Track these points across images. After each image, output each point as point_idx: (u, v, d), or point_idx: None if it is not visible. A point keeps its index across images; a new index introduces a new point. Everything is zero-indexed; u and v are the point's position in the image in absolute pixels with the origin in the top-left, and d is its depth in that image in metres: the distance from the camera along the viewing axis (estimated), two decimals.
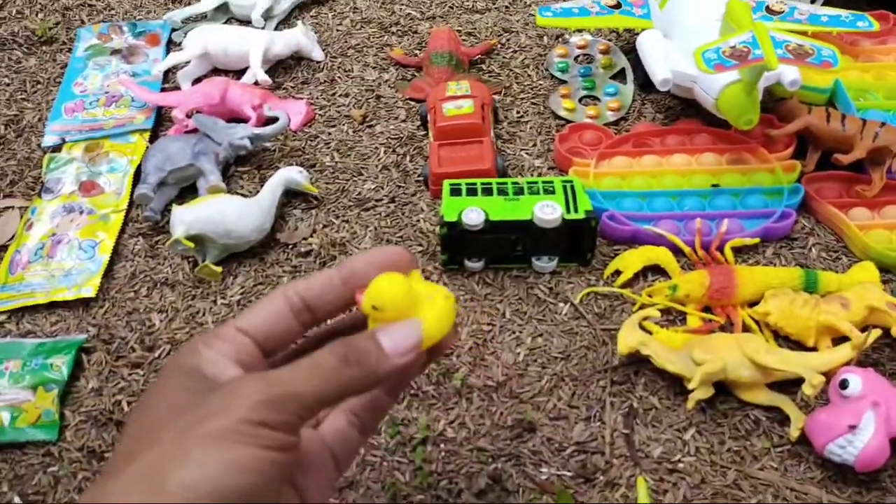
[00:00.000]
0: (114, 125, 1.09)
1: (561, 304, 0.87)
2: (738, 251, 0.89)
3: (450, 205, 0.86)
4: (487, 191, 0.88)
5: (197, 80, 1.16)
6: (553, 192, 0.87)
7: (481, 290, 0.89)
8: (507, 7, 1.27)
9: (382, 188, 1.00)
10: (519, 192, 0.88)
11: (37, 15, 1.31)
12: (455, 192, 0.88)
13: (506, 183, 0.89)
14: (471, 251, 0.88)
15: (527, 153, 1.03)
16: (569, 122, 1.05)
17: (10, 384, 0.83)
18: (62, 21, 1.30)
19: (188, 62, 1.15)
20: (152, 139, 1.08)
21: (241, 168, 1.03)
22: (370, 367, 0.36)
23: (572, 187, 0.88)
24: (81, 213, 0.98)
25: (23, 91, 1.18)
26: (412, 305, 0.38)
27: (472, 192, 0.88)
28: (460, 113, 0.98)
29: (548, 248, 0.87)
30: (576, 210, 0.85)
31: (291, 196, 0.99)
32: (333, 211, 0.98)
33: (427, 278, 0.90)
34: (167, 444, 0.33)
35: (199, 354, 0.37)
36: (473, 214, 0.85)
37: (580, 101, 1.08)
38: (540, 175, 1.00)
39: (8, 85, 1.19)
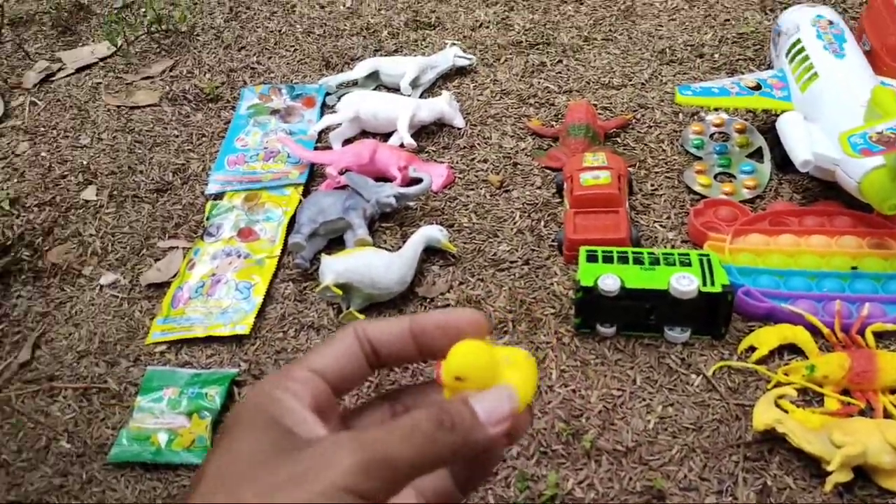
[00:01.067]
0: (271, 178, 1.19)
1: (693, 376, 0.88)
2: (879, 336, 0.88)
3: (586, 270, 0.89)
4: (623, 259, 0.91)
5: (347, 141, 1.25)
6: (689, 265, 0.89)
7: (612, 355, 0.91)
8: (643, 84, 1.31)
9: (517, 250, 1.05)
10: (655, 262, 0.90)
11: (205, 75, 1.45)
12: (591, 258, 0.91)
13: (641, 253, 0.91)
14: (604, 317, 0.91)
15: (660, 225, 1.05)
16: (703, 197, 1.07)
17: (169, 409, 0.90)
18: (227, 81, 1.43)
19: (340, 124, 1.24)
20: (305, 193, 1.16)
21: (385, 224, 1.10)
22: (465, 433, 0.31)
23: (709, 261, 0.89)
24: (239, 256, 1.07)
25: (189, 143, 1.30)
26: (495, 374, 0.34)
27: (608, 259, 0.91)
28: (597, 183, 1.02)
29: (682, 319, 0.89)
30: (712, 283, 0.86)
31: (430, 253, 1.05)
32: (469, 269, 1.03)
33: (559, 340, 0.93)
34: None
35: (277, 402, 0.33)
36: (610, 281, 0.87)
37: (715, 177, 1.10)
38: (673, 247, 1.02)
39: (177, 137, 1.31)
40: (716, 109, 1.21)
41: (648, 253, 0.91)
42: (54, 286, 1.08)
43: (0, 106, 1.43)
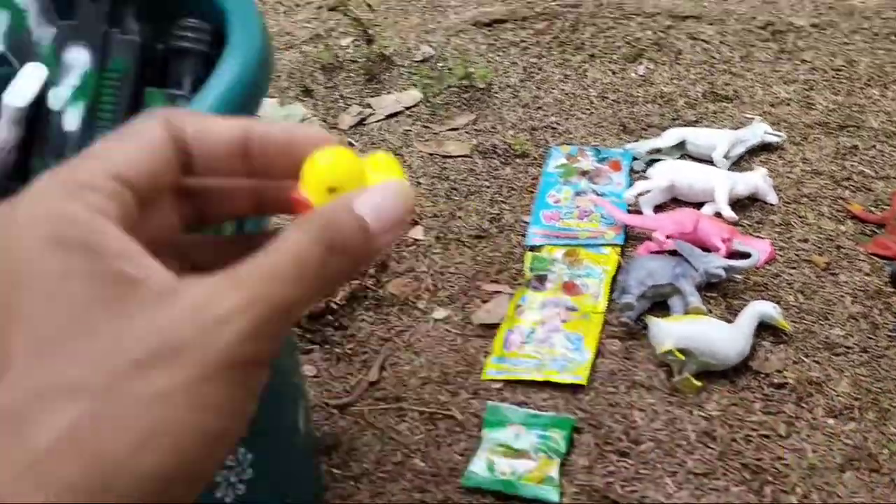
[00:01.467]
0: (588, 237, 1.25)
1: None
2: None
3: None
4: None
5: (657, 208, 1.29)
6: None
7: None
8: None
9: (851, 336, 1.04)
10: None
11: (508, 131, 1.55)
12: None
13: None
14: None
15: None
16: None
17: (516, 444, 0.97)
18: (530, 138, 1.52)
19: (651, 190, 1.29)
20: (620, 254, 1.22)
21: (709, 293, 1.13)
22: (359, 252, 0.24)
23: None
24: (567, 308, 1.13)
25: (500, 195, 1.39)
26: (365, 181, 0.26)
27: None
28: None
29: None
30: None
31: (758, 329, 1.06)
32: (802, 349, 1.04)
33: None
34: (95, 401, 0.20)
35: (82, 224, 0.22)
36: None
37: None
38: None
39: (489, 187, 1.41)
40: None
41: None
42: (393, 315, 1.18)
43: None
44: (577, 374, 1.04)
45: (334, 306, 1.18)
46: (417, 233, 1.33)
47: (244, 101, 0.62)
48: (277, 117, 1.62)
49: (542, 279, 1.19)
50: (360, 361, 1.12)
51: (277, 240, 0.22)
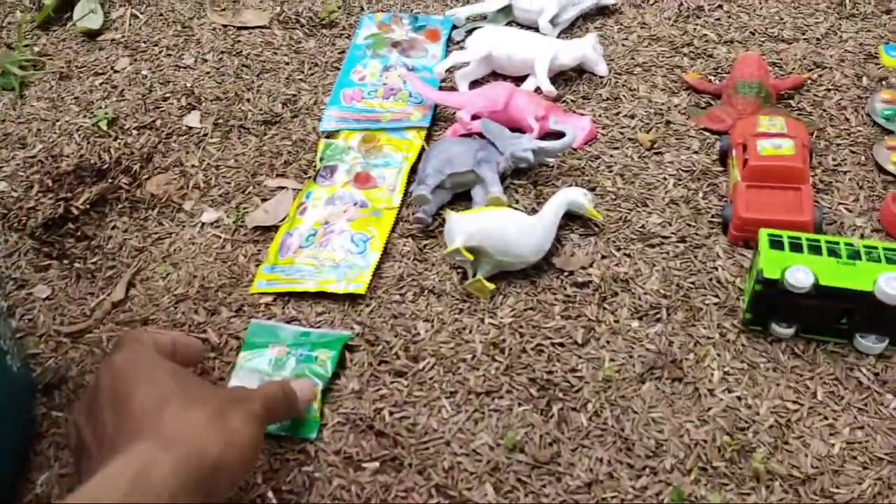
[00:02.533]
0: (391, 119, 1.07)
1: (889, 396, 0.74)
2: None
3: (770, 259, 0.75)
4: (815, 249, 0.76)
5: (474, 83, 1.12)
6: None
7: (788, 360, 0.78)
8: (818, 40, 1.13)
9: (670, 224, 0.91)
10: (854, 255, 0.75)
11: None
12: (776, 244, 0.77)
13: (838, 243, 0.77)
14: (783, 315, 0.77)
15: (846, 209, 0.90)
16: None
17: (273, 370, 0.81)
18: (343, 5, 1.30)
19: (468, 63, 1.11)
20: (427, 138, 1.04)
21: (518, 181, 0.97)
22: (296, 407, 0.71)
23: None
24: (355, 204, 0.96)
25: (301, 72, 1.19)
26: None
27: (796, 247, 0.77)
28: (779, 153, 0.87)
29: (883, 327, 0.74)
30: None
31: (569, 219, 0.92)
32: (614, 242, 0.90)
33: (722, 336, 0.80)
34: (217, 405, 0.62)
35: (166, 358, 0.67)
36: (800, 275, 0.73)
37: None
38: (863, 237, 0.87)
39: (287, 64, 1.20)
40: None
41: (846, 244, 0.76)
42: (152, 219, 0.99)
43: (99, 17, 1.34)
44: (357, 282, 0.88)
45: (75, 211, 0.97)
46: (193, 119, 1.12)
47: None
48: None
49: (332, 170, 1.01)
50: (105, 278, 0.93)
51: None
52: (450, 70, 1.12)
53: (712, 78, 1.09)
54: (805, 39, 1.14)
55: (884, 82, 1.05)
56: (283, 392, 0.70)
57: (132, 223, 0.99)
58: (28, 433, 0.78)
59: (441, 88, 1.11)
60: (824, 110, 1.02)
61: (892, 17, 1.15)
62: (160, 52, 1.25)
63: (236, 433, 0.60)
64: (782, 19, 1.17)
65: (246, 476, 0.70)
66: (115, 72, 1.22)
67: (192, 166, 1.05)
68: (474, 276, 0.87)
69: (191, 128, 1.10)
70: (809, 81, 1.06)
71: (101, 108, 1.14)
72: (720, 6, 1.21)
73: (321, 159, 1.03)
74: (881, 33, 1.13)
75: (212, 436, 0.59)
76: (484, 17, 1.22)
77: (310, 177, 1.02)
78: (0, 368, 0.74)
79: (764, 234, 0.78)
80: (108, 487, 0.53)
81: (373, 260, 0.90)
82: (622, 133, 1.03)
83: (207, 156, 1.06)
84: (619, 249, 0.89)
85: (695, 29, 1.17)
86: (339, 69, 1.17)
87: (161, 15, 1.33)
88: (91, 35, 1.30)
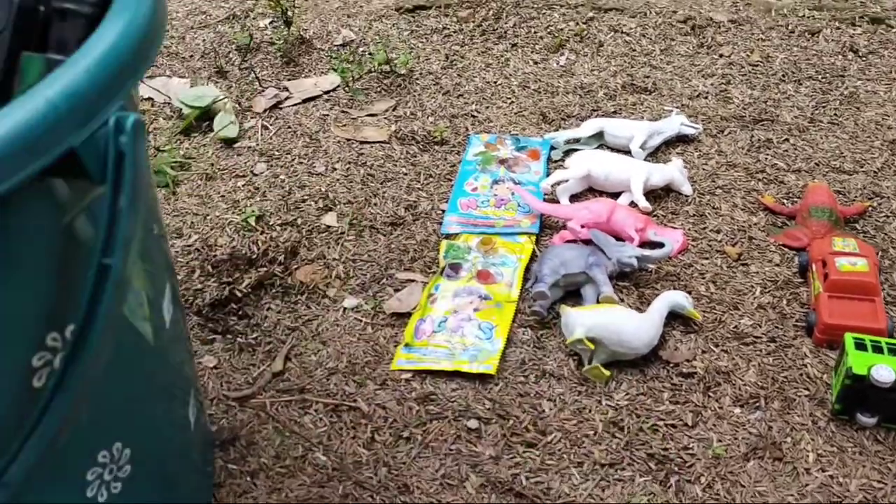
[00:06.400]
0: (504, 225, 1.23)
1: None
2: None
3: (857, 358, 0.89)
4: (893, 351, 0.89)
5: (573, 197, 1.28)
6: None
7: (871, 445, 0.90)
8: (875, 172, 1.30)
9: (760, 326, 1.05)
10: None
11: (427, 118, 1.52)
12: (860, 346, 0.90)
13: None
14: (869, 406, 0.89)
15: None
16: None
17: None
18: (450, 126, 1.49)
19: (568, 180, 1.28)
20: (535, 242, 1.20)
21: (622, 283, 1.12)
22: None
23: None
24: (480, 297, 1.11)
25: (418, 182, 1.36)
26: None
27: (877, 349, 0.90)
28: (855, 270, 1.01)
29: None
30: None
31: (671, 318, 1.06)
32: (712, 339, 1.04)
33: (814, 423, 0.92)
34: None
35: None
36: (884, 372, 0.86)
37: None
38: None
39: (406, 174, 1.38)
40: None
41: None
42: (301, 303, 1.14)
43: (236, 127, 1.53)
44: (487, 364, 1.02)
45: (238, 294, 1.13)
46: (330, 219, 1.28)
47: (123, 67, 0.57)
48: (187, 97, 1.55)
49: (456, 268, 1.16)
50: (264, 352, 1.07)
51: None
52: (553, 185, 1.29)
53: (785, 201, 1.25)
54: (864, 172, 1.30)
55: None
56: None
57: (285, 306, 1.14)
58: (210, 482, 0.91)
59: (545, 201, 1.28)
60: (886, 234, 1.17)
61: None
62: (293, 160, 1.43)
63: None
64: (842, 153, 1.34)
65: None
66: (255, 175, 1.40)
67: (333, 259, 1.20)
68: (590, 363, 1.00)
69: (329, 226, 1.27)
70: (871, 209, 1.21)
71: (247, 206, 1.31)
72: (787, 139, 1.38)
73: (445, 257, 1.18)
74: None
75: None
76: (578, 141, 1.40)
77: (433, 272, 1.17)
78: (201, 423, 0.87)
79: (849, 338, 0.91)
80: None
81: (499, 345, 1.04)
82: (710, 245, 1.18)
83: (345, 251, 1.22)
84: (717, 346, 1.03)
85: (766, 158, 1.34)
86: (450, 180, 1.35)
87: (289, 127, 1.52)
88: (229, 142, 1.49)
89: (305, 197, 1.33)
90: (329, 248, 1.23)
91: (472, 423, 0.96)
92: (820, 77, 1.55)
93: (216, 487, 0.90)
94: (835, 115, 1.44)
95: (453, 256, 1.18)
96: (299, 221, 1.28)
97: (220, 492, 0.90)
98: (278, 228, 1.27)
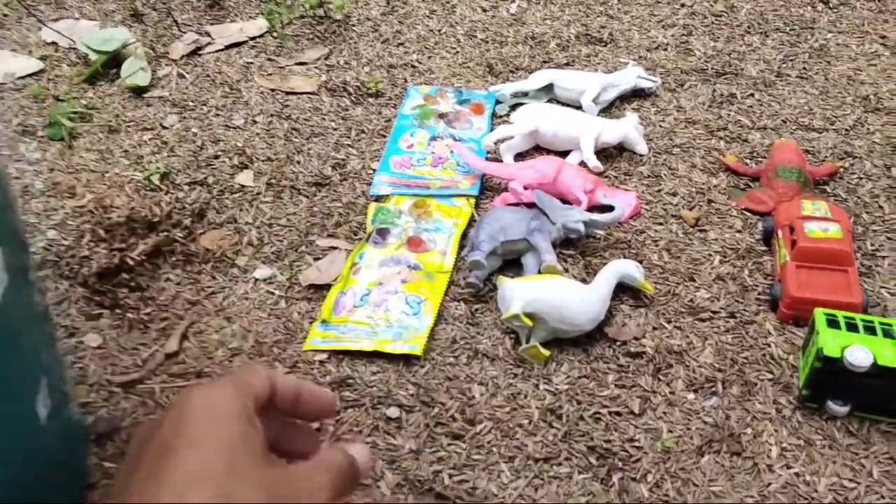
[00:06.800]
0: (440, 186, 1.10)
1: None
2: None
3: (829, 338, 0.78)
4: (870, 329, 0.79)
5: (518, 155, 1.15)
6: None
7: (843, 438, 0.79)
8: (846, 130, 1.18)
9: (718, 300, 0.93)
10: None
11: (363, 67, 1.37)
12: (832, 324, 0.79)
13: (891, 325, 0.79)
14: (841, 393, 0.79)
15: (888, 292, 0.93)
16: None
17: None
18: (387, 77, 1.35)
19: (513, 136, 1.15)
20: (475, 206, 1.07)
21: (567, 251, 1.00)
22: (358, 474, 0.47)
23: None
24: (409, 267, 0.98)
25: (348, 137, 1.22)
26: None
27: (852, 327, 0.79)
28: (827, 237, 0.90)
29: None
30: None
31: (620, 290, 0.94)
32: (664, 314, 0.92)
33: (778, 412, 0.81)
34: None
35: (249, 408, 0.42)
36: (861, 354, 0.76)
37: None
38: None
39: (335, 129, 1.24)
40: None
41: None
42: (206, 273, 1.00)
43: (147, 74, 1.37)
44: (413, 343, 0.89)
45: (130, 262, 0.98)
46: (245, 178, 1.14)
47: None
48: (93, 41, 1.38)
49: (384, 233, 1.03)
50: (158, 329, 0.93)
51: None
52: (496, 142, 1.16)
53: (749, 161, 1.13)
54: (834, 130, 1.19)
55: None
56: (350, 465, 0.48)
57: (185, 276, 1.00)
58: (81, 483, 0.78)
59: (487, 160, 1.15)
60: (858, 197, 1.07)
61: None
62: (209, 112, 1.28)
63: None
64: (811, 110, 1.23)
65: None
66: (164, 128, 1.25)
67: (246, 223, 1.06)
68: (528, 341, 0.88)
69: (243, 186, 1.12)
70: (842, 169, 1.10)
71: (151, 162, 1.16)
72: (752, 94, 1.26)
73: (373, 222, 1.05)
74: None
75: None
76: (526, 94, 1.27)
77: (360, 238, 1.04)
78: (61, 416, 0.73)
79: (820, 314, 0.80)
80: None
81: (428, 321, 0.92)
82: (665, 210, 1.06)
83: (260, 214, 1.08)
84: (669, 322, 0.91)
85: (729, 114, 1.22)
86: (385, 137, 1.21)
87: (208, 76, 1.37)
88: (138, 91, 1.33)
89: (219, 153, 1.18)
90: (242, 210, 1.08)
91: (393, 412, 0.83)
92: (788, 29, 1.44)
93: (88, 489, 0.77)
94: (803, 69, 1.32)
95: (382, 221, 1.05)
96: (210, 180, 1.14)
97: (93, 493, 0.77)
98: (185, 188, 1.12)
